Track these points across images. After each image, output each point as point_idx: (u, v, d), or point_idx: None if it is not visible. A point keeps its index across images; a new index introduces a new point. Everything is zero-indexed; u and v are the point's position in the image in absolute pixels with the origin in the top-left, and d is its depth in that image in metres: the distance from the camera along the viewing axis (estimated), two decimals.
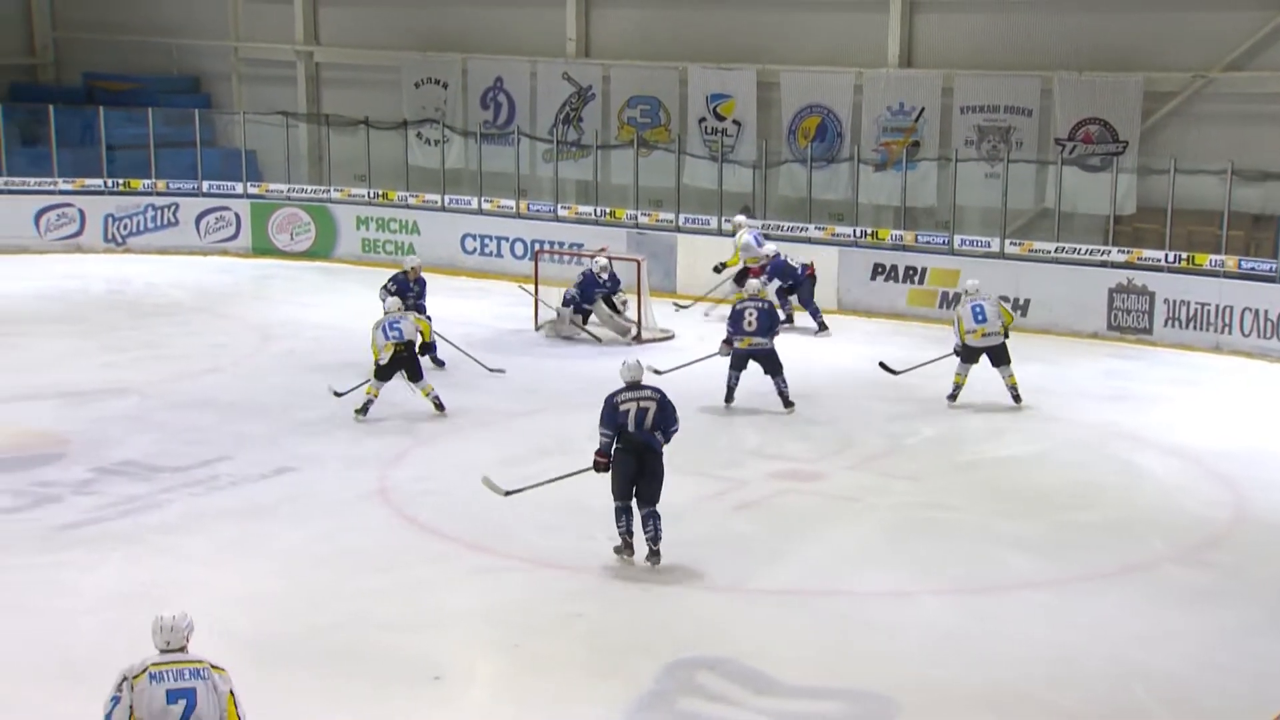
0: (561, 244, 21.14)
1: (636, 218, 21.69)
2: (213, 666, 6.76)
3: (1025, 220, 20.27)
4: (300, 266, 23.07)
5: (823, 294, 19.21)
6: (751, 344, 14.43)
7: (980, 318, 14.59)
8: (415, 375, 14.26)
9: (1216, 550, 11.09)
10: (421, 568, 10.41)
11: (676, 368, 14.98)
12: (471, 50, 24.56)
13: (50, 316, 18.43)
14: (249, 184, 24.11)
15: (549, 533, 11.02)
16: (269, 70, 26.70)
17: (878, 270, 19.94)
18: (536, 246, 20.55)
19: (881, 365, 15.63)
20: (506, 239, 22.41)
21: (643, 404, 10.30)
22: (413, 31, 25.09)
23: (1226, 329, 17.52)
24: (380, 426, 13.91)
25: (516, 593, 9.97)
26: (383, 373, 14.11)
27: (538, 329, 18.30)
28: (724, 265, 19.39)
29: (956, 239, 19.70)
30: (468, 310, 19.54)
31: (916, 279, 19.68)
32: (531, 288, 18.72)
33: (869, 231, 20.35)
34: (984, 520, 11.45)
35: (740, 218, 19.86)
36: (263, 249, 23.56)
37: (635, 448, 10.23)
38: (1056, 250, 19.07)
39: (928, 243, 19.92)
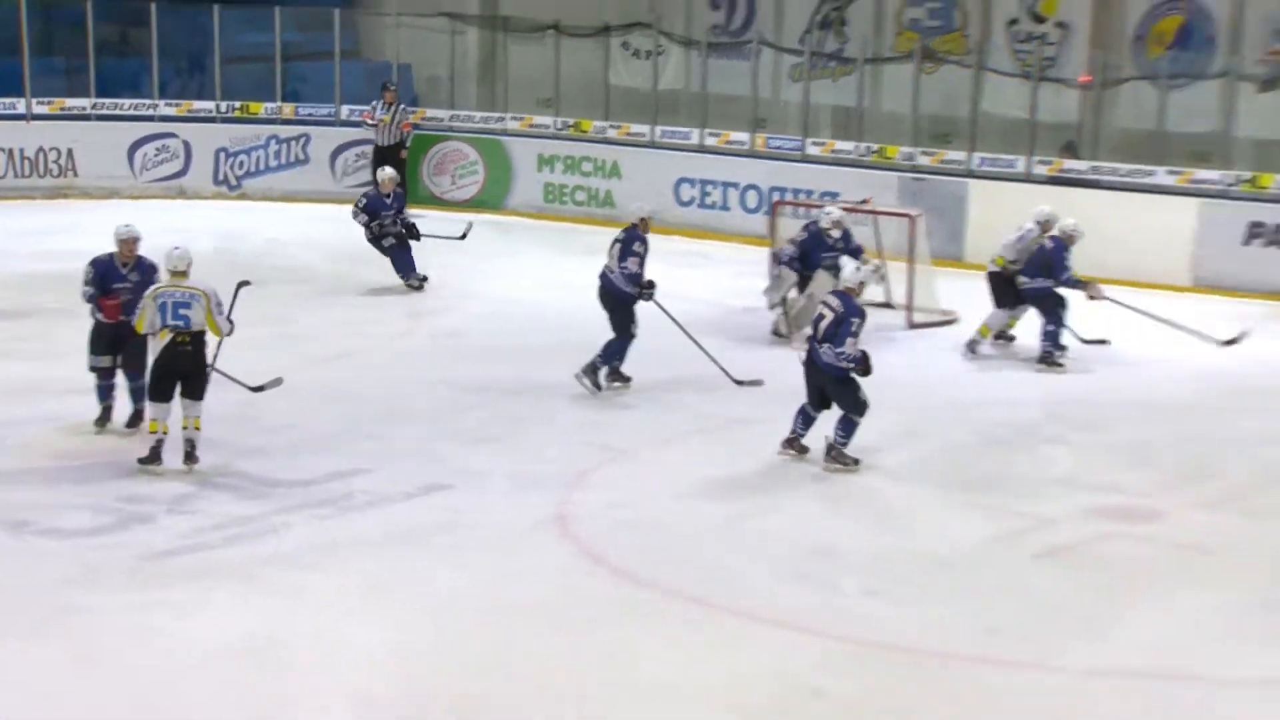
0: (810, 194, 21.18)
1: (914, 157, 21.63)
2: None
3: None
4: (464, 219, 23.54)
5: (1172, 265, 18.95)
6: None
7: None
8: (196, 392, 12.98)
9: None
10: (612, 623, 10.52)
11: None
12: None
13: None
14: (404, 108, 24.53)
15: (786, 582, 11.09)
16: None
17: (1254, 231, 19.53)
18: (776, 197, 20.62)
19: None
20: (736, 186, 22.56)
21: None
22: None
23: None
24: (562, 436, 14.13)
25: (740, 660, 10.02)
26: (153, 387, 13.01)
27: (772, 308, 18.37)
28: None
29: None
30: (685, 283, 19.67)
31: None
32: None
33: (1246, 177, 19.91)
34: None
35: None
36: (417, 196, 24.06)
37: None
38: None
39: None
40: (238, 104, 24.61)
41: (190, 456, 12.92)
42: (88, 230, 19.53)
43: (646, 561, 11.48)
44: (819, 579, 11.17)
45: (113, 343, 13.28)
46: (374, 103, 23.80)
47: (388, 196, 19.28)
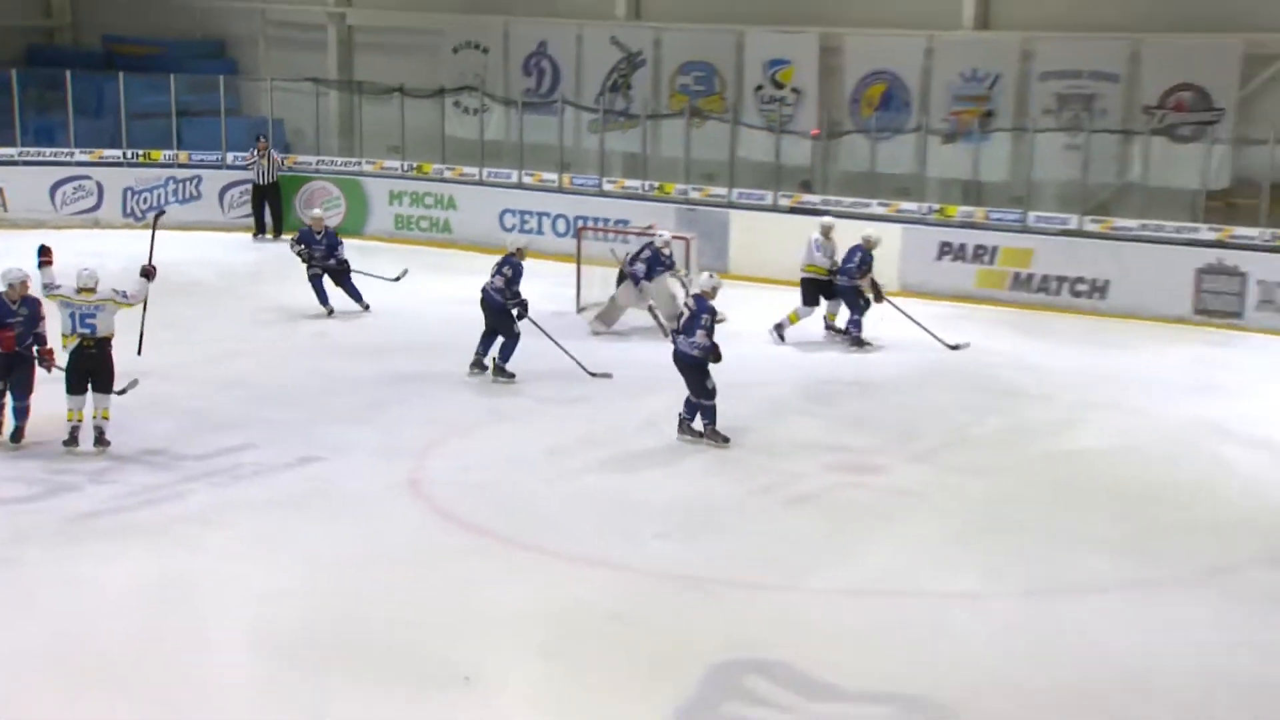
0: (607, 221, 21.20)
1: (687, 193, 21.74)
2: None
3: (1107, 195, 20.18)
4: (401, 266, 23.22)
5: (885, 275, 19.24)
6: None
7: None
8: (104, 386, 12.63)
9: None
10: (456, 564, 10.48)
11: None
12: (514, 12, 24.67)
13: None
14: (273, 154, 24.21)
15: (596, 529, 11.10)
16: (298, 34, 26.90)
17: (944, 249, 19.91)
18: (580, 224, 20.60)
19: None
20: (548, 215, 22.50)
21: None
22: None
23: None
24: (414, 415, 14.01)
25: (559, 591, 10.03)
26: (69, 383, 12.58)
27: (580, 311, 18.36)
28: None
29: (1031, 215, 19.65)
30: None
31: (987, 259, 19.63)
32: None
33: (936, 208, 20.31)
34: (1058, 517, 11.43)
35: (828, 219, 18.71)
36: (291, 225, 23.67)
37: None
38: (1141, 228, 18.98)
39: (999, 220, 19.86)
40: (141, 151, 24.08)
41: (101, 440, 12.59)
42: (17, 255, 18.93)
43: (485, 515, 11.43)
44: (622, 526, 11.20)
45: (4, 370, 12.70)
46: (250, 150, 23.42)
47: (318, 233, 18.36)
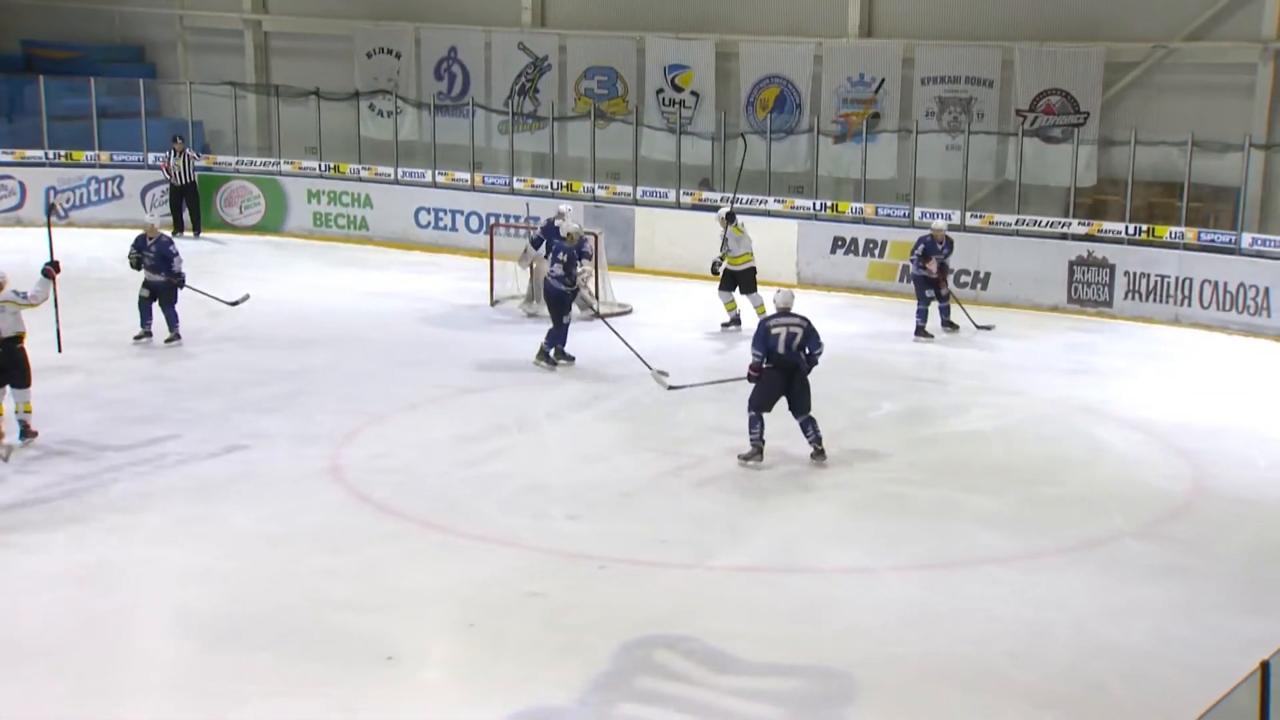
0: (517, 218, 21.05)
1: (594, 191, 21.67)
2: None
3: (985, 192, 20.41)
4: (249, 240, 22.90)
5: (783, 268, 19.32)
6: None
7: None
8: (20, 381, 12.24)
9: (1176, 524, 11.21)
10: (376, 546, 10.36)
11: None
12: (425, 19, 24.45)
13: None
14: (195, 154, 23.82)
15: (508, 511, 11.00)
16: (216, 39, 26.48)
17: (838, 243, 20.00)
18: (492, 220, 20.44)
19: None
20: (461, 212, 22.34)
21: (791, 329, 11.89)
22: (364, 0, 24.93)
23: (1186, 301, 17.71)
24: (331, 404, 13.83)
25: (473, 571, 9.94)
26: None
27: (493, 304, 18.23)
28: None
29: (917, 211, 19.79)
30: (422, 285, 19.49)
31: (877, 252, 19.75)
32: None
33: (828, 204, 20.41)
34: (946, 495, 11.51)
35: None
36: (211, 223, 23.32)
37: (785, 367, 11.84)
38: (1017, 223, 19.22)
39: (888, 215, 20.00)
40: (63, 152, 23.57)
41: (27, 432, 12.30)
42: None
43: (400, 498, 11.31)
44: (532, 507, 11.11)
45: None
46: (166, 153, 22.92)
47: (150, 240, 16.08)
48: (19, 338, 12.19)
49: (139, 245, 16.02)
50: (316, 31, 25.52)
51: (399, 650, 8.76)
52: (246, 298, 17.18)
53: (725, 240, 17.07)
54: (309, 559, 10.06)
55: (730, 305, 17.21)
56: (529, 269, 17.76)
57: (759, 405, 11.96)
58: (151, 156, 23.64)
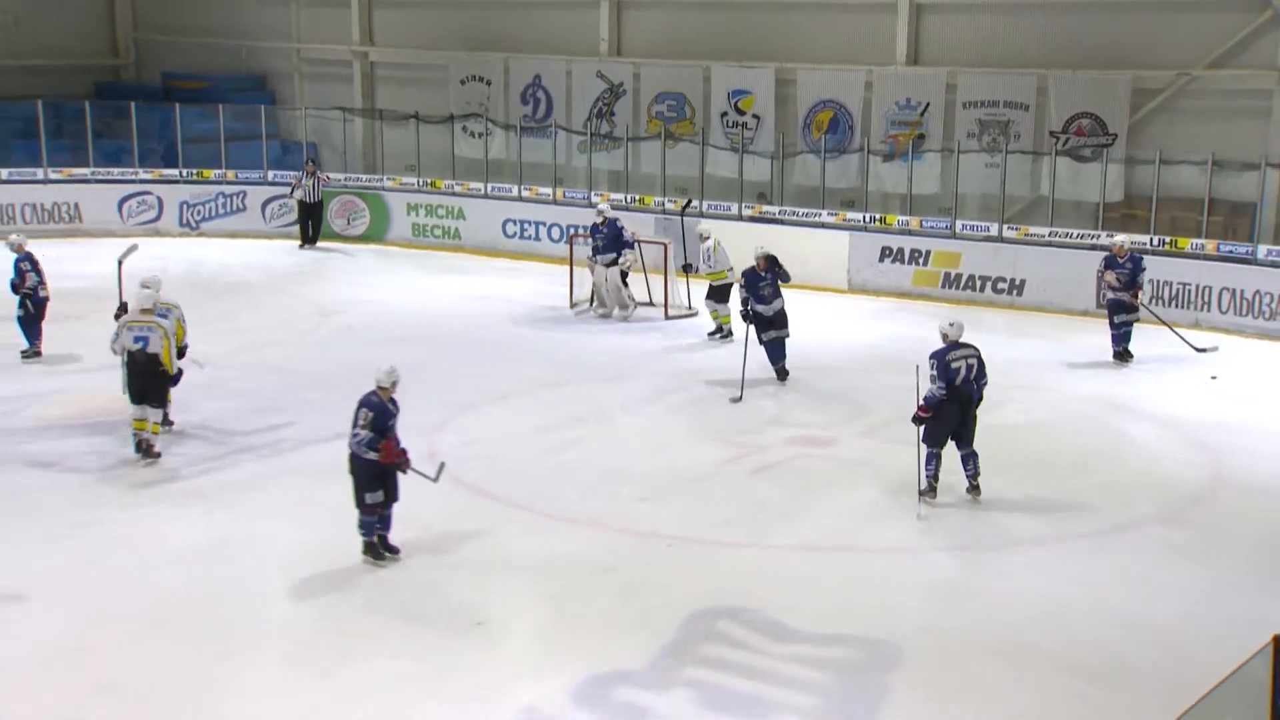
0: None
1: (663, 204, 21.63)
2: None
3: (1021, 207, 20.14)
4: (356, 249, 23.09)
5: (836, 275, 19.26)
6: None
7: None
8: (157, 401, 11.73)
9: (1195, 511, 11.06)
10: (467, 524, 10.43)
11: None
12: (512, 50, 24.51)
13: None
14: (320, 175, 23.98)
15: (585, 495, 11.03)
16: (328, 69, 26.70)
17: (885, 253, 19.84)
18: (571, 231, 20.46)
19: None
20: (544, 224, 22.37)
21: (969, 360, 10.61)
22: (459, 32, 25.05)
23: (1206, 307, 17.42)
24: (427, 396, 13.86)
25: (555, 548, 9.98)
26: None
27: (572, 307, 18.27)
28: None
29: (958, 224, 19.59)
30: (508, 289, 19.56)
31: (921, 261, 19.57)
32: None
33: (877, 217, 20.25)
34: (984, 482, 11.34)
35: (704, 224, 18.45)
36: (326, 234, 23.49)
37: (961, 399, 10.55)
38: (1050, 235, 18.96)
39: (931, 228, 19.80)
40: (195, 171, 23.87)
41: (149, 452, 11.70)
42: (92, 259, 18.91)
43: (489, 481, 11.38)
44: (607, 491, 11.14)
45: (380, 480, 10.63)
46: (299, 174, 23.12)
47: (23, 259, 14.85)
48: (157, 358, 11.68)
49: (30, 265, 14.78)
50: (416, 61, 25.66)
51: (488, 617, 8.83)
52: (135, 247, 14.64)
53: (706, 255, 16.65)
54: (407, 535, 10.12)
55: (715, 314, 16.73)
56: (591, 271, 17.80)
57: (938, 441, 10.70)
58: (271, 174, 23.90)
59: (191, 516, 10.51)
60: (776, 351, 14.46)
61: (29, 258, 14.99)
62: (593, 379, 14.80)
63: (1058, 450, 12.48)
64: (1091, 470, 11.90)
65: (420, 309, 18.34)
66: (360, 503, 9.57)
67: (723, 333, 16.63)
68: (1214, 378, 14.97)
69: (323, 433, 12.51)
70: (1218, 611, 9.01)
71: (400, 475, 9.64)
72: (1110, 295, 15.64)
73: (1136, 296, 15.64)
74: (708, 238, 16.90)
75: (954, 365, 10.59)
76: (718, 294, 16.66)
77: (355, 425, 9.54)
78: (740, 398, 13.74)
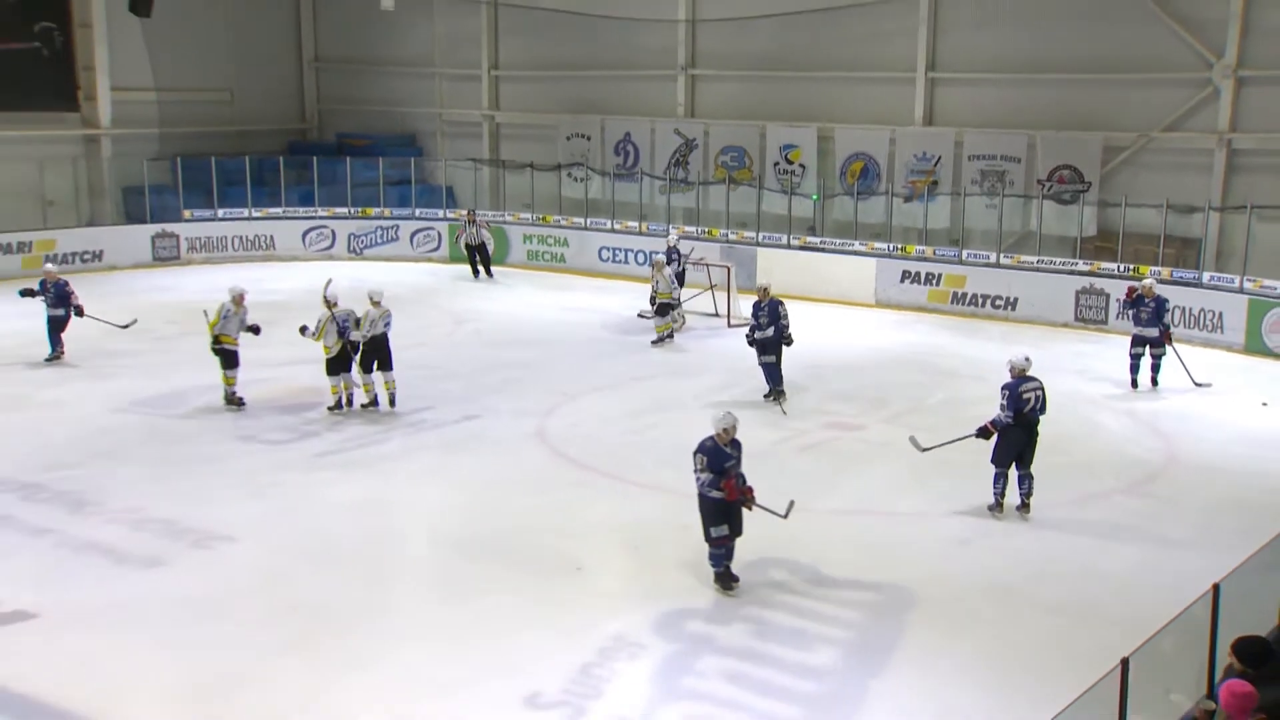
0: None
1: (727, 235, 21.56)
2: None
3: (1015, 239, 19.80)
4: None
5: (864, 293, 19.06)
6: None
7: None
8: (386, 365, 12.68)
9: (1154, 485, 10.83)
10: (568, 489, 10.49)
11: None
12: (608, 112, 24.55)
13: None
14: (447, 210, 24.34)
15: (661, 466, 11.03)
16: (463, 128, 26.91)
17: (905, 275, 19.59)
18: (654, 258, 20.45)
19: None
20: (632, 250, 22.41)
21: (1037, 392, 9.78)
22: (566, 99, 25.13)
23: None
24: (538, 387, 13.96)
25: (638, 509, 10.02)
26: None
27: (639, 316, 18.05)
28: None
29: (964, 253, 19.32)
30: (603, 303, 19.58)
31: (934, 282, 19.31)
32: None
33: (899, 247, 20.01)
34: (983, 460, 11.17)
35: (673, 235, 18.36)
36: (456, 257, 23.68)
37: (1027, 425, 9.78)
38: (1038, 262, 18.64)
39: (943, 255, 19.52)
40: (359, 209, 24.24)
41: (393, 401, 12.73)
42: (283, 279, 19.31)
43: (586, 455, 11.42)
44: (681, 464, 11.03)
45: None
46: (461, 222, 22.95)
47: (50, 283, 14.24)
48: (386, 337, 12.66)
49: (41, 289, 14.32)
50: (532, 122, 25.78)
51: (585, 564, 8.88)
52: (135, 321, 15.23)
53: (659, 280, 16.37)
54: (521, 498, 10.22)
55: (662, 327, 16.33)
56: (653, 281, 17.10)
57: (1004, 462, 9.90)
58: (417, 211, 24.19)
59: (354, 479, 10.67)
60: (765, 372, 13.45)
61: (66, 283, 14.55)
62: (672, 375, 14.79)
63: (1043, 435, 12.02)
64: (1068, 451, 11.66)
65: (533, 318, 18.43)
66: (707, 537, 8.39)
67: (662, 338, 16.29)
68: (1265, 404, 13.55)
69: (454, 416, 12.66)
70: (1169, 564, 8.86)
71: (746, 511, 8.45)
72: (1135, 330, 14.16)
73: (1169, 337, 14.03)
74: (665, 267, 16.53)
75: (1025, 396, 9.75)
76: (662, 310, 16.36)
77: (695, 470, 8.39)
78: (772, 396, 13.13)
